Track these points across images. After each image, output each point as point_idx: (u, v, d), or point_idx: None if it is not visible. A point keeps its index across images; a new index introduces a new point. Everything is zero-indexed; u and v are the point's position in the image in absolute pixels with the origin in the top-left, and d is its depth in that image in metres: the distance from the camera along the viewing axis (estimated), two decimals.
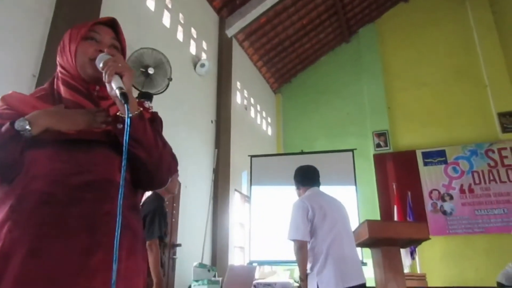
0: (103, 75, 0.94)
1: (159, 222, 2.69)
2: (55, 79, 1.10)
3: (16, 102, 1.00)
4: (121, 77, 0.94)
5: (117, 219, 0.78)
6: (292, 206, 2.62)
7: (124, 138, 0.86)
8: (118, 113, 0.97)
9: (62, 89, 1.05)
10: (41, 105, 0.99)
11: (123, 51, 1.14)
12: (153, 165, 1.00)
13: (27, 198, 0.87)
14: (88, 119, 0.96)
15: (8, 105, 0.99)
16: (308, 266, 2.47)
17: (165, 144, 1.05)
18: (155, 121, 1.12)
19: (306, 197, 2.63)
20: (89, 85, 1.06)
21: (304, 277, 2.43)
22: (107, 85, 0.93)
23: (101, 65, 0.96)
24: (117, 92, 0.90)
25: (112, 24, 1.13)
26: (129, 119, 0.87)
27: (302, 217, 2.50)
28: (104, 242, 0.86)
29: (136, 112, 0.95)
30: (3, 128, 0.89)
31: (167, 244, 2.84)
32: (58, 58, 1.11)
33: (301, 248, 2.45)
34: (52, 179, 0.90)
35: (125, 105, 0.88)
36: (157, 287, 2.60)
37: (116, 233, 0.77)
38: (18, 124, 0.88)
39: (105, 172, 0.94)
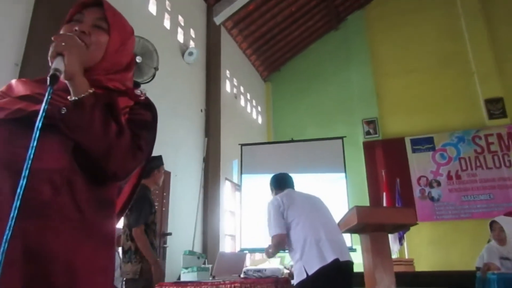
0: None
1: (143, 210, 2.75)
2: None
3: (22, 86, 0.98)
4: (63, 57, 0.87)
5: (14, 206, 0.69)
6: (267, 205, 2.70)
7: (36, 124, 0.76)
8: (68, 97, 0.89)
9: None
10: (35, 87, 0.96)
11: (112, 29, 1.06)
12: (99, 156, 0.91)
13: None
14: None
15: (5, 92, 0.96)
16: (291, 257, 2.54)
17: (122, 133, 0.94)
18: (134, 110, 1.05)
19: (278, 195, 2.73)
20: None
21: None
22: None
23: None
24: (51, 72, 0.83)
25: (99, 3, 1.06)
26: (45, 105, 0.78)
27: (276, 212, 2.56)
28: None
29: (82, 95, 0.88)
30: None
31: (156, 231, 2.86)
32: None
33: (282, 241, 2.52)
34: (3, 164, 0.85)
35: (49, 88, 0.80)
36: (155, 270, 2.68)
37: (9, 222, 0.67)
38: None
39: (53, 160, 0.88)
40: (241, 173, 6.00)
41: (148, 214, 2.79)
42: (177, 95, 5.63)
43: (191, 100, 6.13)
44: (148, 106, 1.10)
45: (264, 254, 2.57)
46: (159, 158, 3.21)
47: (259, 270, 3.04)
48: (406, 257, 6.48)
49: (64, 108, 0.88)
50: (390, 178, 7.03)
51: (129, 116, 1.03)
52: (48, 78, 0.82)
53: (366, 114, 8.35)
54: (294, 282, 2.45)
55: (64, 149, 0.90)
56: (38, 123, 0.76)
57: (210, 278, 2.86)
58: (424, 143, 7.74)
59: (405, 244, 6.58)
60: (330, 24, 9.34)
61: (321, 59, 9.37)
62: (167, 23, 5.72)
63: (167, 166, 5.00)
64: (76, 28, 0.99)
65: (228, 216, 7.07)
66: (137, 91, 1.09)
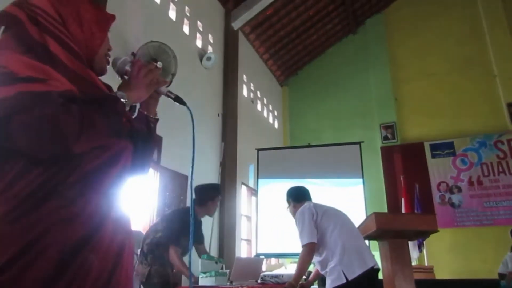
0: (137, 77, 1.03)
1: (181, 231, 2.81)
2: (42, 32, 0.87)
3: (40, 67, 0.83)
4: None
5: None
6: (297, 214, 2.72)
7: (190, 180, 1.04)
8: (155, 116, 1.15)
9: (63, 54, 0.88)
10: (53, 71, 0.83)
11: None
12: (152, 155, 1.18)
13: None
14: (152, 80, 1.07)
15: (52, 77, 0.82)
16: (322, 262, 2.56)
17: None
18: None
19: (309, 203, 2.77)
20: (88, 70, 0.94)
21: (296, 283, 2.56)
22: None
23: (127, 67, 1.07)
24: (172, 96, 1.13)
25: None
26: (191, 119, 1.20)
27: (309, 220, 2.60)
28: None
29: (156, 117, 1.16)
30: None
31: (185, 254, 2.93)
32: (62, 11, 0.94)
33: (313, 250, 2.56)
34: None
35: (189, 109, 1.15)
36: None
37: None
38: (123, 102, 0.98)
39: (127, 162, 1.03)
40: (258, 177, 6.00)
41: (178, 236, 2.84)
42: (195, 100, 5.68)
43: (209, 104, 6.17)
44: None
45: (298, 264, 2.59)
46: (217, 188, 3.24)
47: (276, 276, 3.03)
48: (426, 264, 6.35)
49: (153, 123, 1.14)
50: (409, 184, 6.91)
51: None
52: (177, 100, 1.16)
53: (384, 119, 8.25)
54: (328, 287, 2.45)
55: None
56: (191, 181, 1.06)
57: (228, 283, 2.86)
58: (444, 148, 7.59)
59: (424, 251, 6.46)
60: (349, 28, 9.28)
61: (339, 63, 9.31)
62: (186, 29, 5.79)
63: (184, 170, 5.06)
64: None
65: (244, 221, 7.07)
66: None
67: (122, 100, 0.94)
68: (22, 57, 0.81)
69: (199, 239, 3.19)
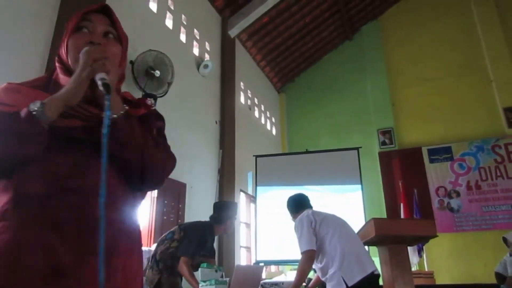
0: (84, 67, 0.88)
1: (194, 246, 2.84)
2: (55, 71, 1.03)
3: (13, 96, 0.91)
4: (106, 73, 0.88)
5: (100, 225, 0.75)
6: (296, 222, 2.74)
7: (103, 133, 0.81)
8: (114, 115, 0.88)
9: (60, 78, 0.99)
10: (41, 95, 0.89)
11: (120, 40, 1.06)
12: (141, 167, 0.93)
13: (23, 200, 0.83)
14: (88, 72, 0.88)
15: (4, 102, 0.89)
16: (323, 269, 2.56)
17: (158, 143, 0.99)
18: (149, 119, 1.04)
19: (308, 211, 2.78)
20: None
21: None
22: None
23: (82, 56, 0.90)
24: (99, 82, 0.85)
25: (106, 11, 1.05)
26: (108, 112, 0.83)
27: (308, 227, 2.61)
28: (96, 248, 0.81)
29: (121, 112, 0.90)
30: (22, 114, 0.83)
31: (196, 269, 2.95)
32: (58, 49, 1.02)
33: (312, 258, 2.57)
34: (47, 181, 0.85)
35: (106, 95, 0.84)
36: None
37: (100, 241, 0.74)
38: (32, 107, 0.83)
39: (97, 174, 0.84)
40: (256, 184, 5.99)
41: (194, 252, 2.85)
42: (192, 107, 5.69)
43: (206, 112, 6.17)
44: (160, 115, 1.12)
45: (298, 272, 2.59)
46: (235, 206, 3.25)
47: (276, 283, 3.01)
48: (426, 269, 6.34)
49: (108, 124, 0.88)
50: (407, 189, 6.92)
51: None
52: (103, 88, 0.85)
53: (382, 124, 8.27)
54: None
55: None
56: (104, 144, 0.81)
57: None
58: (441, 153, 7.60)
59: (424, 256, 6.44)
60: (345, 35, 9.34)
61: (335, 69, 9.36)
62: (183, 37, 5.81)
63: (182, 177, 5.05)
64: (97, 42, 0.97)
65: (243, 228, 7.05)
66: (148, 101, 1.11)
67: (33, 111, 0.83)
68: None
69: (212, 254, 3.20)
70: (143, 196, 1.05)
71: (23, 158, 0.84)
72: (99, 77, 0.86)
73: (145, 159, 0.92)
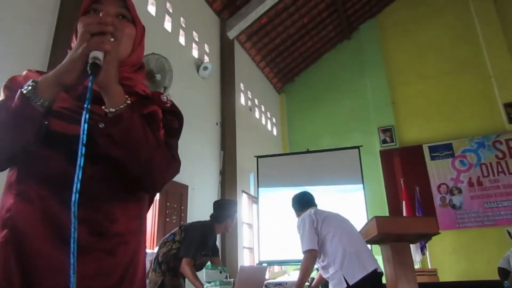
0: (80, 42, 0.76)
1: (194, 246, 2.84)
2: None
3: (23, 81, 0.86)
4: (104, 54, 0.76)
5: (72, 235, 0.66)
6: (298, 221, 2.77)
7: (82, 129, 0.70)
8: (104, 108, 0.78)
9: None
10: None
11: (134, 22, 1.00)
12: (139, 167, 0.83)
13: (23, 201, 0.80)
14: (83, 49, 0.76)
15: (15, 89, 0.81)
16: (325, 268, 2.58)
17: (161, 144, 0.87)
18: (156, 117, 0.95)
19: (310, 210, 2.80)
20: None
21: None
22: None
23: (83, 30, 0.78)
24: (89, 61, 0.73)
25: None
26: (87, 103, 0.71)
27: (310, 227, 2.62)
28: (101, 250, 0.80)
29: (120, 107, 0.78)
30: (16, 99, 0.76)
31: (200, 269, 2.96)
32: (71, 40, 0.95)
33: (314, 257, 2.58)
34: (45, 180, 0.81)
35: (91, 78, 0.72)
36: None
37: (71, 246, 0.66)
38: (24, 87, 0.76)
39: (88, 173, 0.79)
40: (258, 185, 6.00)
41: (196, 251, 2.86)
42: (193, 109, 5.70)
43: (207, 113, 6.19)
44: (175, 113, 1.02)
45: (301, 271, 2.61)
46: (235, 205, 3.25)
47: (280, 284, 3.02)
48: (429, 267, 6.33)
49: (101, 123, 0.79)
50: (409, 187, 6.92)
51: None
52: (88, 68, 0.73)
53: (382, 123, 8.28)
54: None
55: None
56: (82, 133, 0.70)
57: None
58: (442, 150, 7.61)
59: (427, 253, 6.44)
60: (343, 34, 9.35)
61: (335, 68, 9.37)
62: (182, 39, 5.83)
63: (184, 179, 5.06)
64: (109, 19, 0.81)
65: (246, 229, 7.06)
66: (163, 97, 1.01)
67: (24, 92, 0.76)
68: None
69: (215, 252, 3.20)
70: (150, 198, 0.99)
71: (15, 146, 0.79)
72: (91, 56, 0.74)
73: (142, 160, 0.82)
